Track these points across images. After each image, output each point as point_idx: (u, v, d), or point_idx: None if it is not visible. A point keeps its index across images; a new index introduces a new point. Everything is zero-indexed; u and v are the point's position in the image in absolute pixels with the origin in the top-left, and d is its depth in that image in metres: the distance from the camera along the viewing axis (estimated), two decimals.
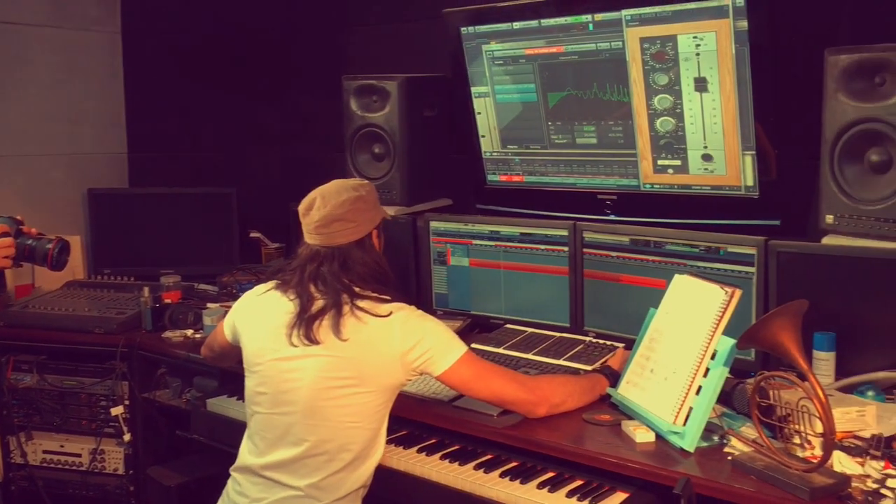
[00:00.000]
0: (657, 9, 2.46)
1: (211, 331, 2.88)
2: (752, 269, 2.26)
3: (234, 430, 2.19)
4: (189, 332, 2.92)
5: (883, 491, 1.63)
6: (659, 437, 1.94)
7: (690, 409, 1.89)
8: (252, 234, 3.60)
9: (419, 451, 2.13)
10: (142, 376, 2.93)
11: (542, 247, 2.71)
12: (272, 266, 3.46)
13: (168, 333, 2.93)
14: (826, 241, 2.20)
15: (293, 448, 1.92)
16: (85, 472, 3.01)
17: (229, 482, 2.03)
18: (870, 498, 1.61)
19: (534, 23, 2.74)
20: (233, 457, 2.05)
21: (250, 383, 2.02)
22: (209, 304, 3.04)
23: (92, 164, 3.66)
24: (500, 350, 2.58)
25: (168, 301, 3.04)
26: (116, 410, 2.89)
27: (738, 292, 1.91)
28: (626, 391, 2.08)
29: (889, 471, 1.70)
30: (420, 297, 2.98)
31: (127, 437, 2.93)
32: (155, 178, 3.73)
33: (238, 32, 3.79)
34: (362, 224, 2.00)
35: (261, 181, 3.86)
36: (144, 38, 3.71)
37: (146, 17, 3.71)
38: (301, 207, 2.03)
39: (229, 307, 3.00)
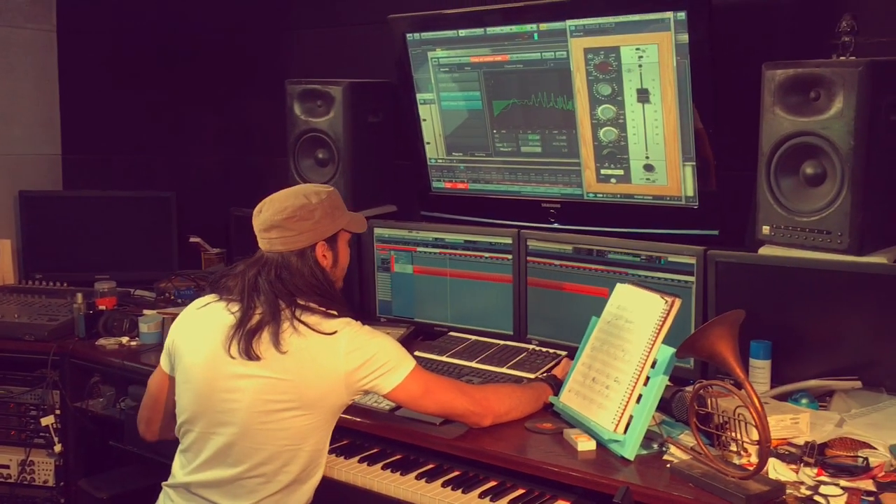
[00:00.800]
0: (601, 20, 2.49)
1: (147, 338, 2.83)
2: (692, 279, 2.30)
3: (169, 442, 2.12)
4: (124, 339, 2.85)
5: (816, 498, 1.66)
6: (600, 445, 1.95)
7: (631, 417, 1.90)
8: (192, 239, 3.53)
9: (361, 460, 2.11)
10: (74, 385, 2.85)
11: (487, 254, 2.72)
12: (212, 271, 3.40)
13: (102, 341, 2.84)
14: (762, 251, 2.25)
15: (229, 469, 1.86)
16: (13, 484, 2.90)
17: (161, 496, 1.97)
18: None
19: (479, 31, 2.74)
20: (167, 469, 1.99)
21: (184, 398, 1.94)
22: (146, 311, 2.97)
23: (24, 166, 3.55)
24: (444, 358, 2.58)
25: (102, 307, 2.95)
26: (47, 420, 2.80)
27: (678, 301, 1.94)
28: (569, 400, 2.09)
29: (822, 478, 1.74)
30: (363, 305, 2.95)
31: (58, 447, 2.83)
32: (90, 181, 3.63)
33: (179, 33, 3.72)
34: (304, 234, 1.92)
35: (201, 185, 3.78)
36: (81, 36, 3.62)
37: (83, 15, 3.62)
38: (255, 209, 1.98)
39: (167, 314, 2.96)
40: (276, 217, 1.92)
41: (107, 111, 3.64)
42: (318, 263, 1.94)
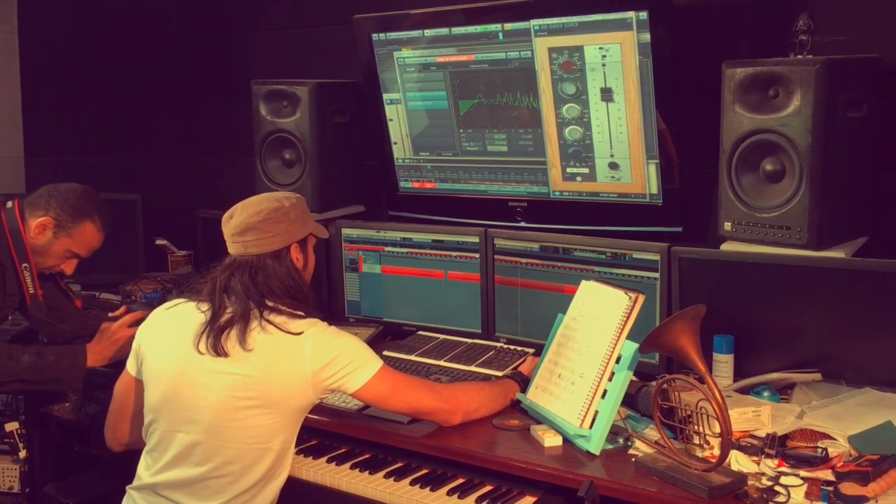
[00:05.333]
0: (564, 20, 2.51)
1: None
2: (656, 275, 2.32)
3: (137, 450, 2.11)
4: None
5: (777, 488, 1.69)
6: (566, 440, 1.97)
7: (596, 412, 1.92)
8: (158, 242, 3.50)
9: (329, 460, 2.11)
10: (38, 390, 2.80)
11: (454, 253, 2.73)
12: (179, 274, 3.38)
13: None
14: (724, 247, 2.28)
15: (195, 468, 1.86)
16: None
17: (125, 500, 1.96)
18: (764, 495, 1.67)
19: (444, 31, 2.75)
20: (133, 473, 1.98)
21: (151, 397, 1.94)
22: (111, 314, 2.93)
23: None
24: (413, 357, 2.58)
25: None
26: (11, 426, 2.76)
27: (641, 298, 1.96)
28: (535, 396, 2.10)
29: (782, 469, 1.77)
30: (332, 305, 2.95)
31: (22, 453, 2.79)
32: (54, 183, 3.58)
33: (142, 34, 3.69)
34: (280, 235, 1.94)
35: (167, 187, 3.76)
36: (43, 37, 3.58)
37: (44, 16, 3.58)
38: (224, 216, 1.98)
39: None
40: (252, 220, 1.93)
41: (70, 113, 3.61)
42: (294, 265, 1.96)
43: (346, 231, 2.93)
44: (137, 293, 3.20)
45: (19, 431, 2.77)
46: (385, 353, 2.58)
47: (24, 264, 2.39)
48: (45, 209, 2.42)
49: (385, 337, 2.84)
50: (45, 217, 2.41)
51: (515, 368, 2.37)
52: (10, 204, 2.42)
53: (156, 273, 3.42)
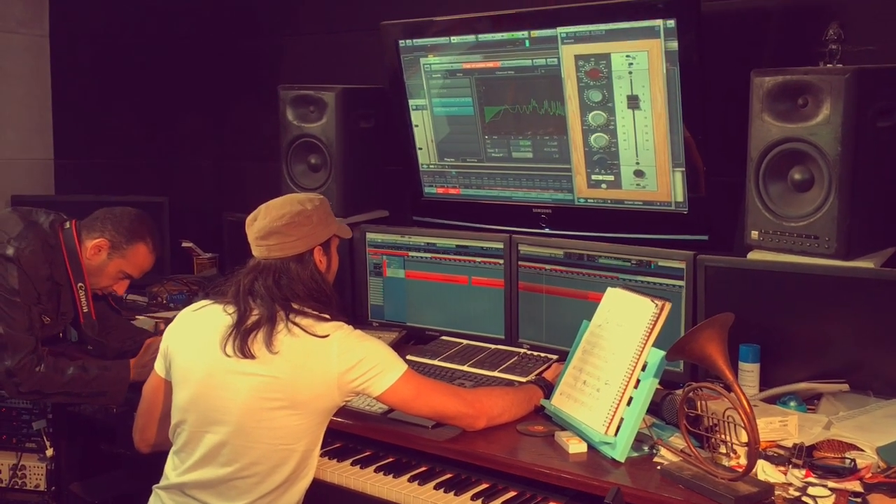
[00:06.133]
0: (591, 27, 2.51)
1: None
2: (682, 283, 2.32)
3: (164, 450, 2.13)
4: None
5: (804, 499, 1.68)
6: (591, 447, 1.97)
7: (622, 419, 1.92)
8: (184, 244, 3.54)
9: (353, 463, 2.12)
10: None
11: (478, 259, 2.73)
12: (204, 276, 3.41)
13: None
14: (751, 256, 2.27)
15: (222, 468, 1.88)
16: (4, 488, 2.88)
17: (152, 499, 1.98)
18: None
19: (471, 38, 2.76)
20: (159, 473, 2.00)
21: (179, 398, 1.96)
22: (138, 317, 2.97)
23: (16, 170, 3.55)
24: (436, 362, 2.59)
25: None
26: (39, 424, 2.79)
27: (668, 305, 1.96)
28: (560, 402, 2.10)
29: (810, 479, 1.76)
30: (355, 309, 2.96)
31: (49, 451, 2.82)
32: (82, 186, 3.64)
33: (171, 38, 3.73)
34: (303, 239, 1.96)
35: (194, 190, 3.79)
36: (73, 41, 3.63)
37: (75, 20, 3.63)
38: (248, 218, 2.00)
39: (159, 318, 2.96)
40: (275, 223, 1.94)
41: (99, 116, 3.65)
42: (318, 268, 1.98)
43: (370, 236, 2.94)
44: (163, 294, 3.23)
45: (47, 430, 2.80)
46: (408, 357, 2.59)
47: (80, 284, 2.47)
48: (100, 231, 2.49)
49: (408, 341, 2.85)
50: (100, 238, 2.48)
51: (540, 374, 2.37)
52: (67, 224, 2.48)
53: (181, 275, 3.45)
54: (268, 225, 1.95)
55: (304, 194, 2.10)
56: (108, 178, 3.67)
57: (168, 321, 2.88)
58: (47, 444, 2.82)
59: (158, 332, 2.75)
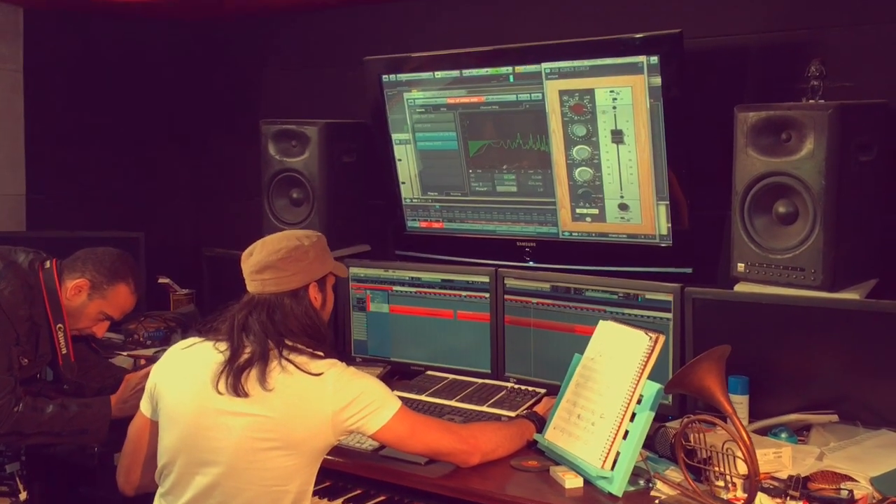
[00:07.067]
0: (576, 63, 2.55)
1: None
2: (669, 315, 2.33)
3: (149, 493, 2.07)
4: None
5: None
6: (587, 482, 1.95)
7: (618, 453, 1.91)
8: (160, 280, 3.48)
9: (345, 502, 2.08)
10: None
11: (464, 293, 2.73)
12: (182, 312, 3.36)
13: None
14: (738, 288, 2.29)
15: None
16: None
17: None
18: None
19: (455, 73, 2.78)
20: None
21: (167, 438, 1.91)
22: (117, 353, 2.91)
23: None
24: (423, 397, 2.57)
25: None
26: (12, 467, 2.69)
27: (662, 338, 1.96)
28: (554, 437, 2.09)
29: None
30: (338, 344, 2.93)
31: (23, 495, 2.71)
32: (55, 222, 3.56)
33: (149, 73, 3.70)
34: (298, 274, 1.94)
35: (170, 226, 3.74)
36: (48, 77, 3.58)
37: (50, 55, 3.58)
38: (244, 253, 1.98)
39: (138, 356, 2.91)
40: (271, 258, 1.92)
41: (74, 150, 3.60)
42: (312, 304, 1.96)
43: (353, 270, 2.92)
44: (140, 332, 3.17)
45: (20, 472, 2.70)
46: (395, 393, 2.54)
47: (59, 325, 2.41)
48: (81, 271, 2.44)
49: (392, 376, 2.82)
50: (81, 279, 2.44)
51: (530, 408, 2.36)
52: (48, 264, 2.43)
53: (157, 312, 3.38)
54: (264, 259, 1.93)
55: (301, 231, 2.09)
56: (82, 214, 3.60)
57: (148, 358, 2.86)
58: (20, 487, 2.73)
59: (137, 368, 2.69)
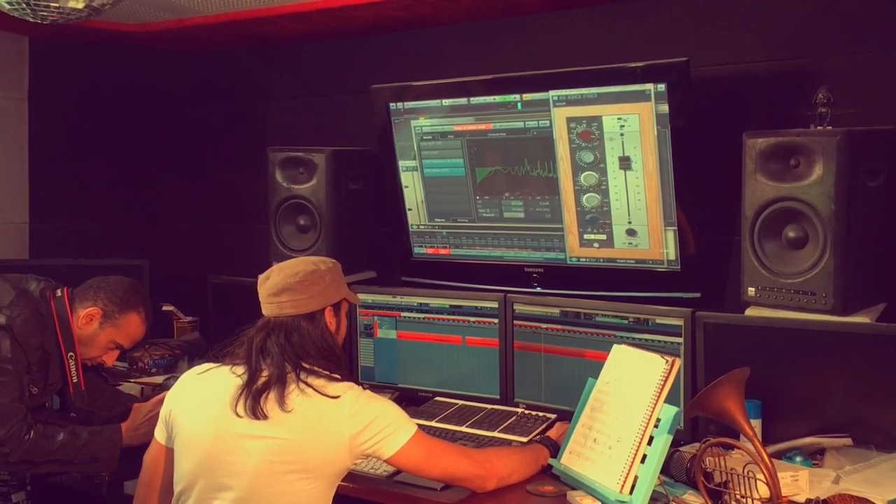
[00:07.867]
0: (583, 91, 2.58)
1: None
2: (680, 340, 2.34)
3: None
4: None
5: None
6: None
7: (636, 477, 1.91)
8: (164, 308, 3.47)
9: None
10: None
11: (472, 319, 2.73)
12: (186, 340, 3.34)
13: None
14: (749, 312, 2.31)
15: None
16: None
17: None
18: None
19: (463, 100, 2.81)
20: None
21: (184, 464, 1.90)
22: (125, 382, 2.89)
23: None
24: (434, 423, 2.56)
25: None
26: (18, 496, 2.67)
27: (678, 361, 1.98)
28: (570, 461, 2.09)
29: None
30: None
31: None
32: (59, 249, 3.55)
33: (155, 100, 3.72)
34: (315, 298, 1.95)
35: (175, 253, 3.74)
36: (53, 105, 3.59)
37: (55, 83, 3.59)
38: (260, 277, 1.99)
39: (144, 384, 2.89)
40: (289, 280, 1.94)
41: (77, 178, 3.60)
42: (328, 328, 1.96)
43: (361, 296, 2.91)
44: (145, 359, 3.15)
45: (25, 502, 2.68)
46: None
47: (71, 353, 2.41)
48: (93, 300, 2.45)
49: (400, 403, 2.76)
50: (93, 307, 2.44)
51: (543, 433, 2.36)
52: (59, 292, 2.43)
53: (162, 339, 3.37)
54: (281, 282, 1.94)
55: (317, 257, 2.10)
56: (86, 242, 3.59)
57: (155, 386, 2.85)
58: None
59: (144, 398, 2.68)
